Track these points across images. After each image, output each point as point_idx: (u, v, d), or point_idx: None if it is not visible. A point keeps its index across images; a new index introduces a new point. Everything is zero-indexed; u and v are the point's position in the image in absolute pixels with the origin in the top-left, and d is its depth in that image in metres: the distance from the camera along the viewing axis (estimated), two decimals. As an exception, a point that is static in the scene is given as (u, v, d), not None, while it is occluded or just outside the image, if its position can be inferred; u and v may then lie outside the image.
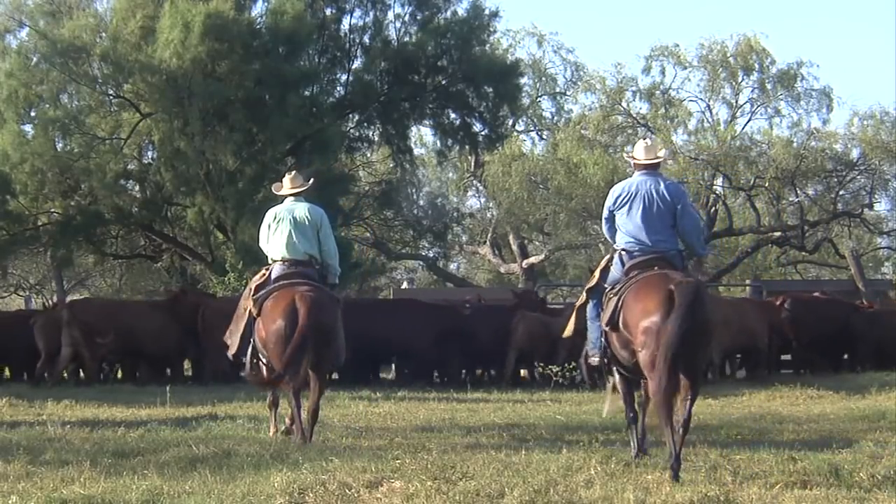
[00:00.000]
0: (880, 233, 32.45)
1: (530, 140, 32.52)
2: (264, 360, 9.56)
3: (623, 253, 8.28)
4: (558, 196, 28.07)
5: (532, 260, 30.41)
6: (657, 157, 8.46)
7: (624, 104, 29.29)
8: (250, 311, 9.61)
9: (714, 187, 28.33)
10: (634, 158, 8.50)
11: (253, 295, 9.61)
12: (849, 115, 40.47)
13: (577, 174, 27.18)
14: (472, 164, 30.56)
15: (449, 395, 14.21)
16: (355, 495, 6.81)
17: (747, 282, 28.16)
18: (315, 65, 21.53)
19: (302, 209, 9.77)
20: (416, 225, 28.03)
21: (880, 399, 13.25)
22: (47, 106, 20.93)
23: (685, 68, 28.95)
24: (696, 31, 78.40)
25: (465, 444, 9.02)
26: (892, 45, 65.14)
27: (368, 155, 27.03)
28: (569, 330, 9.01)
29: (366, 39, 22.19)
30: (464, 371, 17.95)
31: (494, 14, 22.44)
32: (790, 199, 28.49)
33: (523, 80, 25.92)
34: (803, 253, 29.99)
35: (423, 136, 29.24)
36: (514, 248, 30.85)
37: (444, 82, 22.41)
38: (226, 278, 19.31)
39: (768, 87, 28.61)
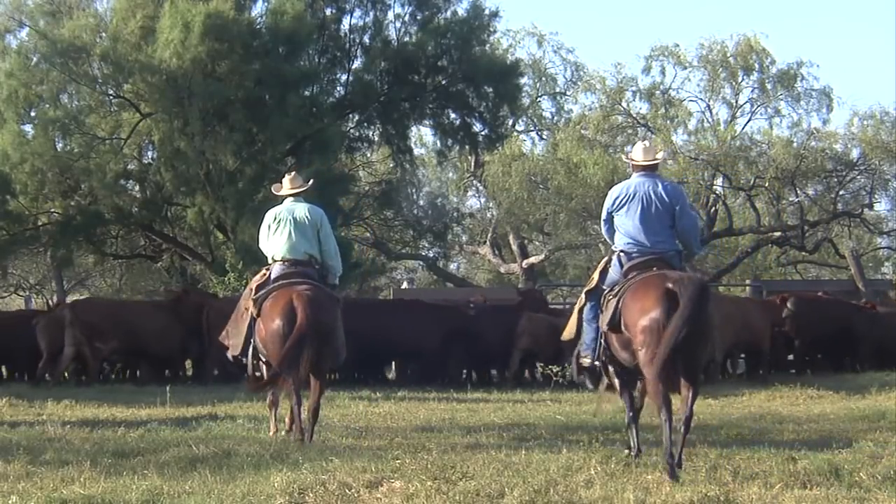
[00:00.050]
0: (880, 233, 32.46)
1: (530, 140, 32.59)
2: (264, 361, 9.57)
3: (622, 254, 8.29)
4: (558, 196, 28.07)
5: (532, 260, 30.41)
6: (655, 159, 8.49)
7: (624, 104, 29.30)
8: (251, 311, 9.62)
9: (714, 187, 28.33)
10: (633, 160, 8.53)
11: (253, 295, 9.62)
12: (849, 115, 40.58)
13: (577, 174, 27.18)
14: (472, 164, 30.56)
15: (449, 395, 14.20)
16: (355, 495, 6.81)
17: (747, 282, 28.18)
18: (315, 65, 21.52)
19: (302, 209, 9.78)
20: (416, 225, 28.05)
21: (880, 399, 13.25)
22: (47, 106, 20.91)
23: (685, 68, 28.99)
24: (696, 31, 78.55)
25: (465, 444, 9.01)
26: (892, 45, 65.19)
27: (368, 155, 27.03)
28: (569, 332, 9.01)
29: (366, 39, 22.19)
30: (471, 371, 17.97)
31: (494, 14, 22.46)
32: (790, 199, 28.49)
33: (523, 80, 25.93)
34: (803, 253, 30.00)
35: (423, 136, 29.30)
36: (514, 248, 30.86)
37: (444, 82, 22.40)
38: (226, 278, 19.31)
39: (768, 87, 28.61)
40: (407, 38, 22.12)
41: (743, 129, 28.85)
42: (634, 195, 8.28)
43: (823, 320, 18.34)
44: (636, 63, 40.85)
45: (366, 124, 23.26)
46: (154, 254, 25.43)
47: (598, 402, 9.38)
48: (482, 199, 32.75)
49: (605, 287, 8.34)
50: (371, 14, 22.19)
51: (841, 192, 28.53)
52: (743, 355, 18.95)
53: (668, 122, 28.82)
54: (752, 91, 28.88)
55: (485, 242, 31.86)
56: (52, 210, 22.09)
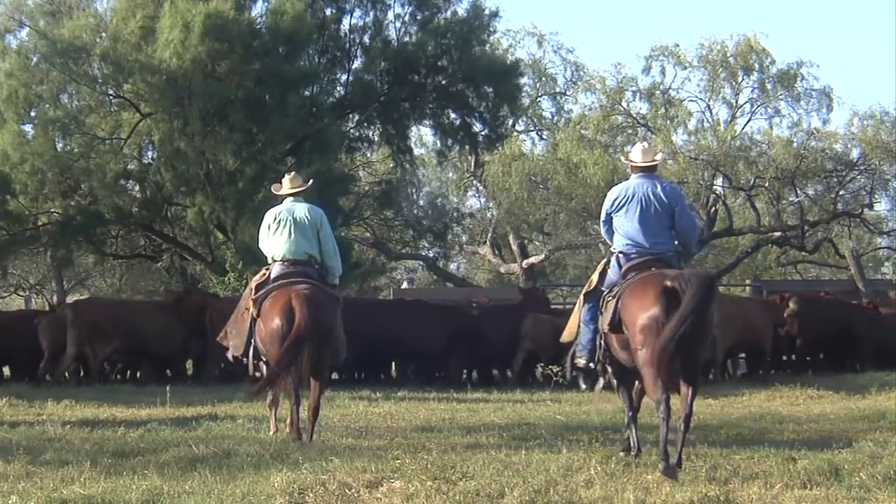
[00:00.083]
0: (880, 233, 32.44)
1: (530, 140, 32.55)
2: (265, 361, 9.57)
3: (620, 255, 8.31)
4: (558, 196, 28.05)
5: (532, 260, 30.40)
6: (654, 160, 8.53)
7: (624, 104, 29.26)
8: (251, 311, 9.62)
9: (714, 187, 28.30)
10: (632, 161, 8.56)
11: (252, 295, 9.62)
12: (849, 115, 40.52)
13: (577, 174, 27.16)
14: (472, 164, 30.55)
15: (449, 395, 14.21)
16: (355, 495, 6.82)
17: (747, 282, 28.18)
18: (315, 65, 21.52)
19: (302, 209, 9.78)
20: (416, 225, 28.04)
21: (880, 399, 13.26)
22: (47, 106, 20.91)
23: (685, 68, 28.95)
24: (696, 31, 78.55)
25: (465, 444, 9.02)
26: (892, 45, 65.20)
27: (368, 155, 27.02)
28: (569, 334, 9.02)
29: (366, 39, 22.19)
30: (474, 371, 17.96)
31: (494, 14, 22.45)
32: (790, 199, 28.47)
33: (523, 80, 25.91)
34: (803, 253, 29.98)
35: (423, 136, 29.28)
36: (514, 248, 30.85)
37: (444, 82, 22.40)
38: (226, 278, 19.31)
39: (768, 87, 28.58)
40: (407, 38, 22.12)
41: (743, 129, 28.86)
42: (633, 196, 8.29)
43: (825, 320, 18.34)
44: (636, 63, 40.89)
45: (366, 124, 23.26)
46: (154, 254, 25.42)
47: (594, 401, 9.40)
48: (482, 199, 32.78)
49: (604, 289, 8.36)
50: (371, 14, 22.20)
51: (841, 192, 28.51)
52: (743, 355, 18.95)
53: (668, 122, 28.80)
54: (752, 91, 28.87)
55: (485, 242, 31.85)
56: (52, 210, 22.08)
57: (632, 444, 8.31)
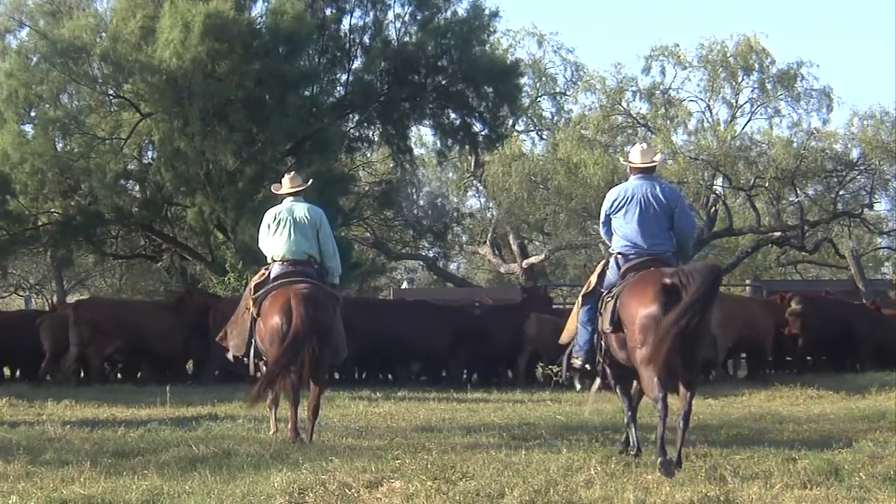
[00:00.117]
0: (880, 233, 32.45)
1: (530, 140, 32.57)
2: (265, 361, 9.56)
3: (619, 256, 8.31)
4: (558, 196, 28.06)
5: (532, 260, 30.41)
6: (653, 161, 8.53)
7: (624, 104, 29.28)
8: (251, 311, 9.62)
9: (714, 187, 28.32)
10: (631, 162, 8.56)
11: (252, 295, 9.62)
12: (849, 115, 40.56)
13: (577, 174, 27.17)
14: (472, 164, 30.56)
15: (449, 395, 14.21)
16: (355, 495, 6.82)
17: (747, 282, 28.16)
18: (315, 65, 21.52)
19: (301, 209, 9.78)
20: (416, 225, 28.04)
21: (880, 399, 13.25)
22: (47, 106, 20.91)
23: (685, 68, 28.97)
24: (696, 31, 78.55)
25: (465, 444, 9.02)
26: (892, 45, 65.20)
27: (368, 155, 27.02)
28: (568, 335, 9.02)
29: (366, 39, 22.19)
30: (472, 372, 17.95)
31: (494, 14, 22.46)
32: (790, 199, 28.48)
33: (523, 80, 25.91)
34: (803, 253, 29.99)
35: (423, 136, 29.29)
36: (514, 248, 30.86)
37: (444, 82, 22.40)
38: (226, 278, 19.31)
39: (768, 87, 28.60)
40: (407, 38, 22.12)
41: (743, 129, 28.89)
42: (632, 197, 8.30)
43: (828, 320, 18.33)
44: (636, 63, 40.87)
45: (366, 124, 23.26)
46: (154, 254, 25.42)
47: (589, 401, 9.42)
48: (482, 199, 32.79)
49: (602, 290, 8.35)
50: (371, 14, 22.20)
51: (841, 192, 28.52)
52: (744, 355, 18.93)
53: (668, 122, 28.81)
54: (752, 91, 28.90)
55: (485, 242, 31.85)
56: (52, 210, 22.08)
57: (632, 443, 8.31)
